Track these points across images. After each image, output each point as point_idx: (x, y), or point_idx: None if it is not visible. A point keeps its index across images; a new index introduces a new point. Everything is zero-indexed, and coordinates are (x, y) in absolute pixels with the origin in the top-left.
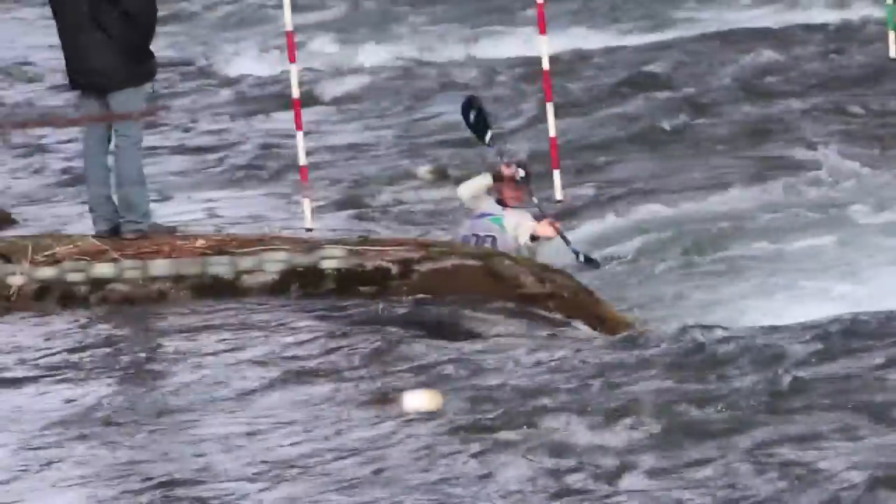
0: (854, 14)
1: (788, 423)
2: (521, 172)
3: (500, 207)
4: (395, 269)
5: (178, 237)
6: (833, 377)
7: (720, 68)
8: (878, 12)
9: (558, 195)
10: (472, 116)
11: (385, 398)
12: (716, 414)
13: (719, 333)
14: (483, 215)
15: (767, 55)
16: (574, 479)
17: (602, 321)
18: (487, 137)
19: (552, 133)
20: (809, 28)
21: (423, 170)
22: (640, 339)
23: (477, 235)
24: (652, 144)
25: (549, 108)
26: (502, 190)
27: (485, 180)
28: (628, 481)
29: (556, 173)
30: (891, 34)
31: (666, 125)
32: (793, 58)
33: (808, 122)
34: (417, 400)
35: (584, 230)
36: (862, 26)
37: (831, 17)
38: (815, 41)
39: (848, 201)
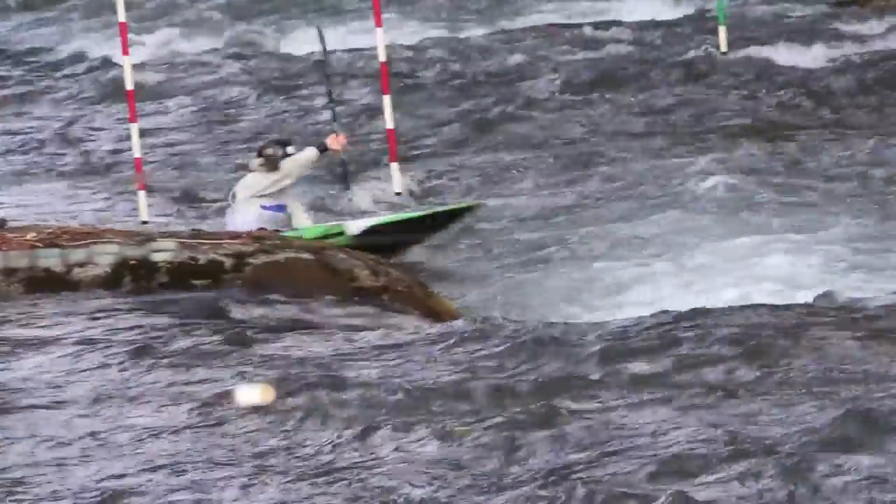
0: (690, 8)
1: (592, 408)
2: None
3: None
4: (228, 263)
5: (8, 230)
6: (633, 370)
7: (555, 62)
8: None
9: (396, 187)
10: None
11: (217, 391)
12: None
13: (534, 324)
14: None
15: (607, 49)
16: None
17: (435, 313)
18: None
19: (389, 125)
20: (646, 25)
21: (256, 162)
22: (467, 330)
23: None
24: (487, 138)
25: (387, 100)
26: None
27: (311, 154)
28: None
29: (394, 166)
30: (721, 29)
31: (499, 119)
32: (626, 52)
33: (631, 117)
34: (249, 394)
35: None
36: (697, 20)
37: (667, 11)
38: (649, 36)
39: (666, 192)
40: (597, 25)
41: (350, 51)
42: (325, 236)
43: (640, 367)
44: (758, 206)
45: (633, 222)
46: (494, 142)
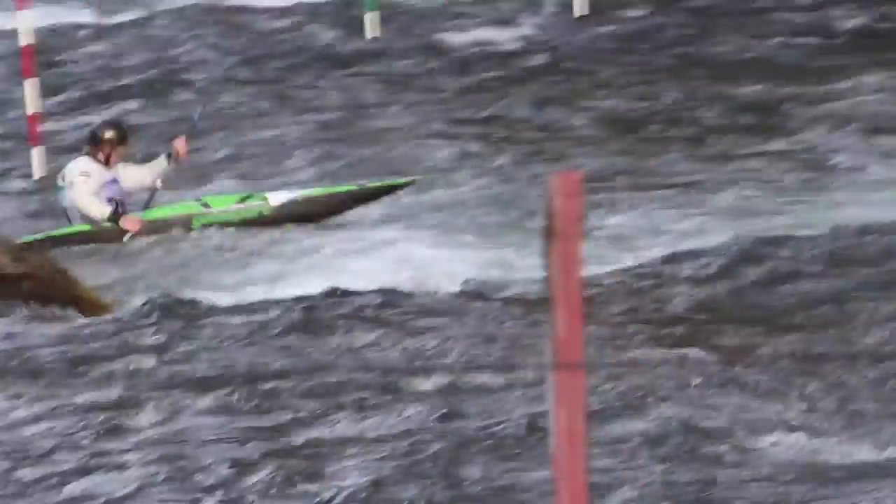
0: None
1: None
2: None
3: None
4: None
5: None
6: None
7: (210, 43)
8: None
9: (37, 174)
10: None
11: None
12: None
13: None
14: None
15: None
16: None
17: (79, 301)
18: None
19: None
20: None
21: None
22: (107, 319)
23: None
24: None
25: (29, 84)
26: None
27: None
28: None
29: (35, 151)
30: (367, 15)
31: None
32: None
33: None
34: None
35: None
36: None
37: None
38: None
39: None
40: (245, 9)
41: None
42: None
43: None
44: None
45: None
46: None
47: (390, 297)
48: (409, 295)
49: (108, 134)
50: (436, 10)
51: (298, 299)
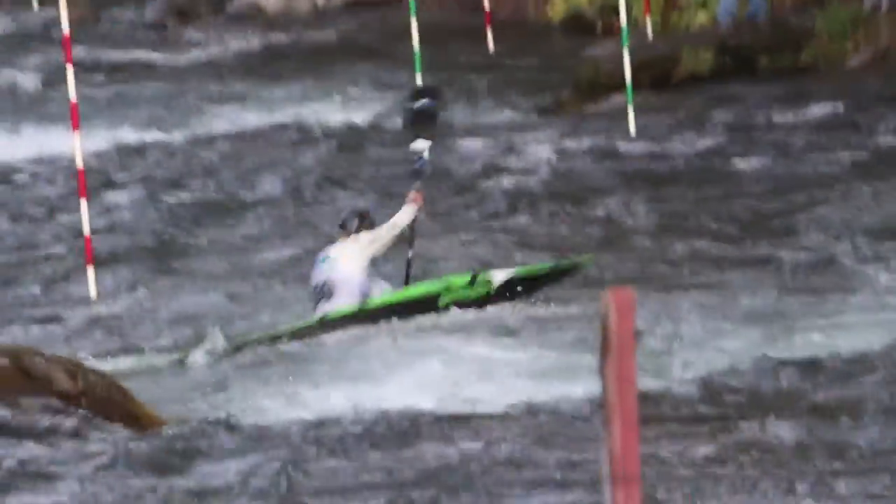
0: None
1: None
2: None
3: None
4: None
5: None
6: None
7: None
8: None
9: (92, 293)
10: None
11: None
12: None
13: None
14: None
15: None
16: None
17: (135, 418)
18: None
19: (86, 231)
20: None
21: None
22: (167, 437)
23: (318, 284)
24: (182, 247)
25: (83, 204)
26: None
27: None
28: None
29: (90, 269)
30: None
31: (212, 221)
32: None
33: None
34: None
35: (124, 326)
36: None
37: None
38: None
39: None
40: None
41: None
42: (473, 284)
43: None
44: None
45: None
46: (188, 250)
47: None
48: None
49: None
50: None
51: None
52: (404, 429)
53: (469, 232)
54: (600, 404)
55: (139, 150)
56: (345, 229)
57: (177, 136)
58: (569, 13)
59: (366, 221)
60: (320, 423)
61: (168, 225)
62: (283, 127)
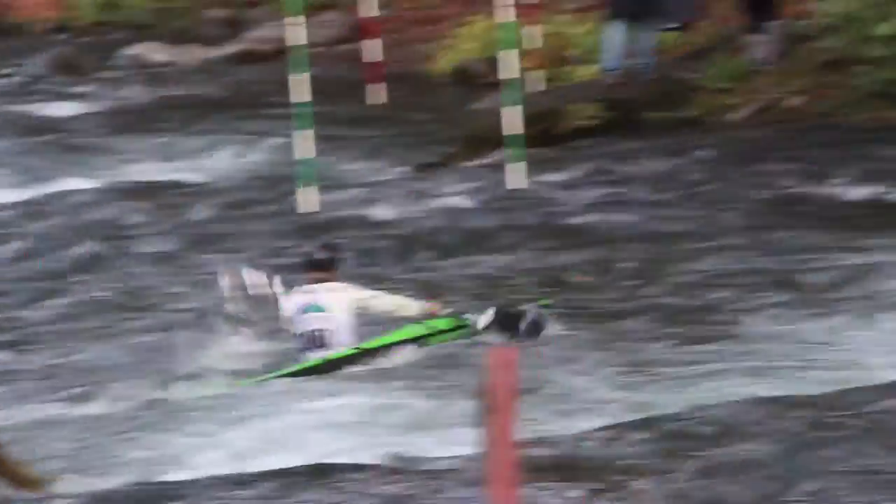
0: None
1: None
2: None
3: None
4: None
5: None
6: None
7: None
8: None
9: None
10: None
11: None
12: None
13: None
14: (301, 311)
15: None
16: None
17: (15, 478)
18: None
19: None
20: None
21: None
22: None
23: (309, 332)
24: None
25: None
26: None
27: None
28: None
29: None
30: (303, 190)
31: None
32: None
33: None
34: None
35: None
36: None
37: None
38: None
39: None
40: (182, 185)
41: None
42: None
43: None
44: None
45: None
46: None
47: None
48: None
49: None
50: None
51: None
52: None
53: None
54: (480, 462)
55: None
56: (323, 269)
57: (51, 189)
58: (458, 66)
59: (341, 258)
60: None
61: (42, 280)
62: (164, 180)
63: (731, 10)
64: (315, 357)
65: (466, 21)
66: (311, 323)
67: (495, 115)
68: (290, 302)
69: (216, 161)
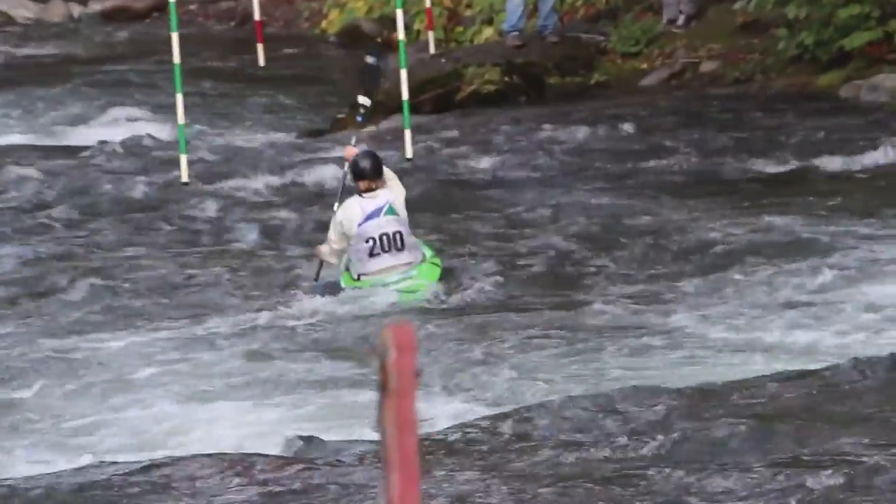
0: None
1: None
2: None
3: (374, 197)
4: None
5: None
6: None
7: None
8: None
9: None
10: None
11: None
12: None
13: None
14: (372, 216)
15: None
16: None
17: None
18: (364, 103)
19: None
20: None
21: None
22: None
23: (386, 235)
24: None
25: None
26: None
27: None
28: None
29: None
30: (182, 158)
31: None
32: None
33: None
34: None
35: None
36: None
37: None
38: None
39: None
40: (54, 149)
41: None
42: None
43: None
44: None
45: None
46: None
47: None
48: None
49: None
50: None
51: None
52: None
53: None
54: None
55: None
56: (379, 175)
57: None
58: (345, 26)
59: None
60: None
61: None
62: (29, 144)
63: None
64: (392, 259)
65: None
66: (388, 225)
67: (386, 80)
68: (353, 210)
69: (82, 124)
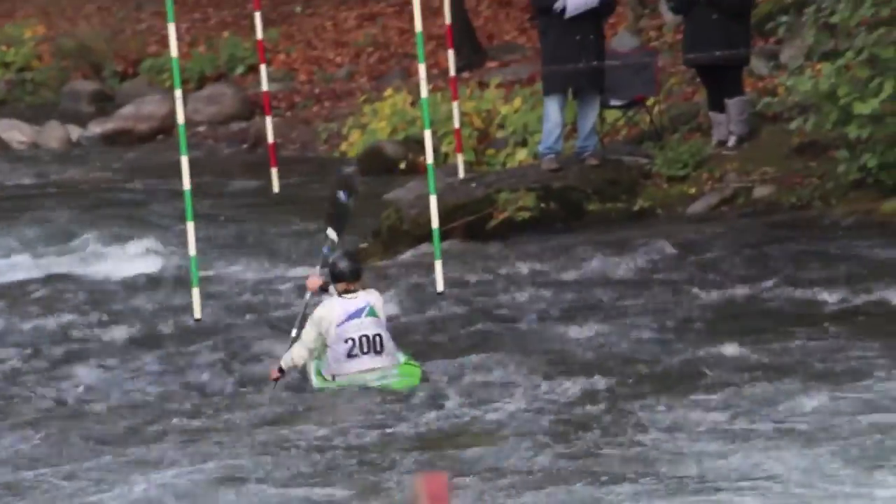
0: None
1: None
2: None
3: (355, 297)
4: None
5: None
6: None
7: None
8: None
9: None
10: (344, 198)
11: None
12: None
13: None
14: (354, 316)
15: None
16: None
17: None
18: (332, 237)
19: None
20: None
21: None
22: None
23: (366, 336)
24: None
25: None
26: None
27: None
28: None
29: None
30: (195, 291)
31: None
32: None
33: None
34: None
35: None
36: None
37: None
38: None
39: None
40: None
41: None
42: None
43: None
44: None
45: None
46: None
47: None
48: None
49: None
50: None
51: None
52: None
53: None
54: None
55: None
56: (358, 278)
57: None
58: (367, 149)
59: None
60: None
61: None
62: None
63: (687, 85)
64: (370, 362)
65: (377, 97)
66: (367, 327)
67: (413, 207)
68: (334, 309)
69: (74, 258)
